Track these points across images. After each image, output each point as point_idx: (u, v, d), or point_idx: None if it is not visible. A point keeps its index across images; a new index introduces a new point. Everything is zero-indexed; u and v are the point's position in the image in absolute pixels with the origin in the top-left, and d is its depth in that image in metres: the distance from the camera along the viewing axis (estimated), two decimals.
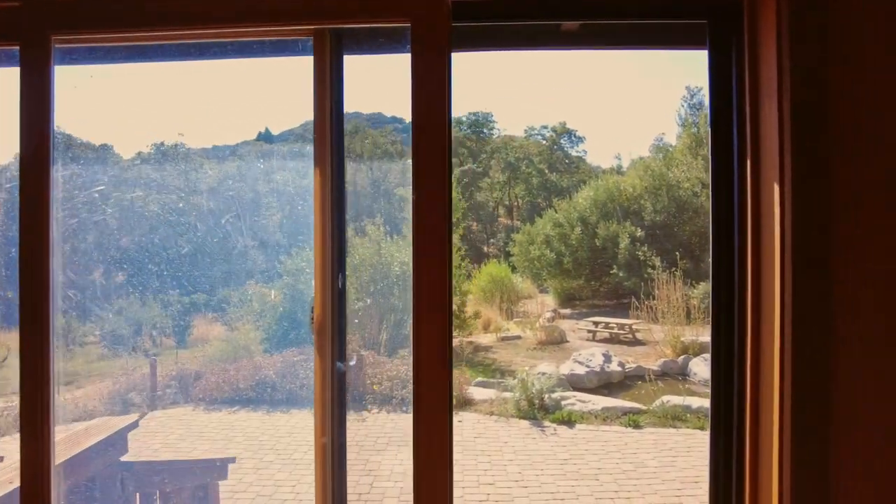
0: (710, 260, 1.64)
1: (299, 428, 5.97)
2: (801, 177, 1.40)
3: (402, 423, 6.03)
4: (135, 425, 4.25)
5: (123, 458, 3.81)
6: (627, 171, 27.09)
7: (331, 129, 1.66)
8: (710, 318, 1.64)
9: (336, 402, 1.82)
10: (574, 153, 60.57)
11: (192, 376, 8.62)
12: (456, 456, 5.02)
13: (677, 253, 14.70)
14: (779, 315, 1.42)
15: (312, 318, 1.70)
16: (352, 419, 6.24)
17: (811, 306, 1.39)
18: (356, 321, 9.92)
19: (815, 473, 1.37)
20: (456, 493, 4.19)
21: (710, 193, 1.62)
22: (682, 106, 23.07)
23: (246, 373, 7.51)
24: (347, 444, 1.86)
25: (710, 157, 1.65)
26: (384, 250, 10.77)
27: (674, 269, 11.54)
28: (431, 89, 1.56)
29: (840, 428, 1.40)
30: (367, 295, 10.40)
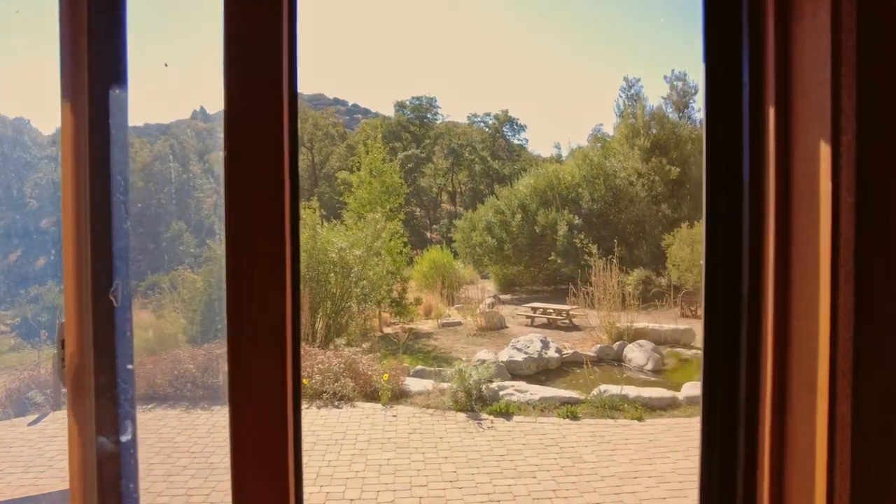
0: (704, 238, 1.12)
1: (220, 427, 5.50)
2: (872, 129, 0.83)
3: (331, 420, 5.70)
4: None
5: None
6: (567, 159, 27.60)
7: (91, 36, 1.00)
8: (704, 308, 1.13)
9: None
10: (516, 141, 61.49)
11: None
12: (388, 455, 4.77)
13: (614, 240, 15.02)
14: (828, 332, 0.89)
15: (63, 360, 1.04)
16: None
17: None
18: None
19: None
20: (387, 497, 3.93)
21: (704, 150, 1.09)
22: (621, 97, 23.58)
23: (164, 366, 6.90)
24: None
25: (704, 96, 1.08)
26: (321, 236, 10.27)
27: (610, 256, 11.72)
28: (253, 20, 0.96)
29: None
30: (303, 282, 9.90)
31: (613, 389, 6.11)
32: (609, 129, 30.10)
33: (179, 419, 5.82)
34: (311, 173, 61.29)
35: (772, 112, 0.99)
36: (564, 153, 32.47)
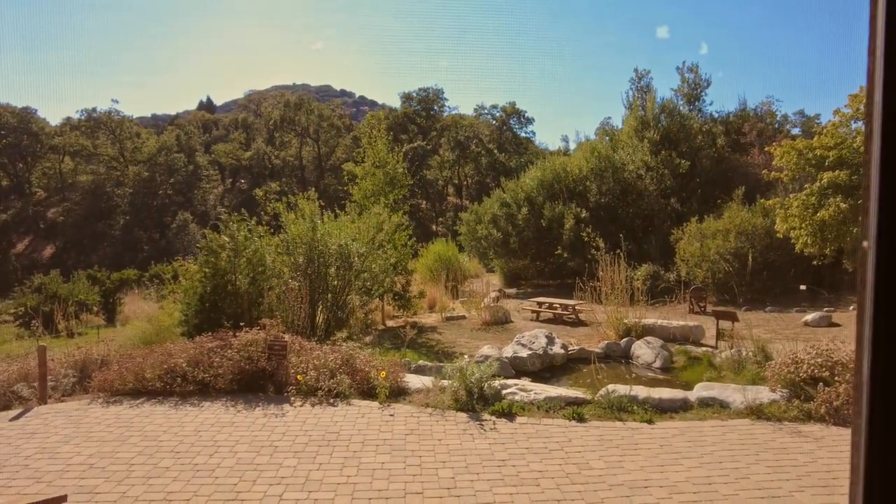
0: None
1: (208, 424, 5.25)
2: None
3: (325, 419, 5.42)
4: None
5: None
6: (574, 152, 27.14)
7: None
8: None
9: None
10: (523, 134, 61.02)
11: (98, 363, 7.66)
12: (383, 458, 4.50)
13: (622, 234, 14.64)
14: None
15: None
16: (270, 413, 5.58)
17: None
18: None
19: None
20: None
21: None
22: (630, 89, 23.07)
23: (154, 359, 6.65)
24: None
25: None
26: (320, 227, 9.97)
27: (617, 250, 11.36)
28: None
29: None
30: (302, 274, 9.62)
31: (622, 389, 5.80)
32: (618, 122, 29.58)
33: (166, 415, 5.57)
34: (316, 165, 61.07)
35: None
36: (572, 146, 31.99)
